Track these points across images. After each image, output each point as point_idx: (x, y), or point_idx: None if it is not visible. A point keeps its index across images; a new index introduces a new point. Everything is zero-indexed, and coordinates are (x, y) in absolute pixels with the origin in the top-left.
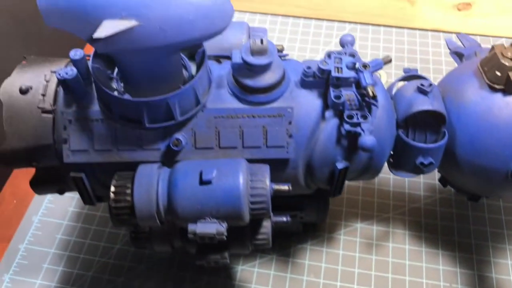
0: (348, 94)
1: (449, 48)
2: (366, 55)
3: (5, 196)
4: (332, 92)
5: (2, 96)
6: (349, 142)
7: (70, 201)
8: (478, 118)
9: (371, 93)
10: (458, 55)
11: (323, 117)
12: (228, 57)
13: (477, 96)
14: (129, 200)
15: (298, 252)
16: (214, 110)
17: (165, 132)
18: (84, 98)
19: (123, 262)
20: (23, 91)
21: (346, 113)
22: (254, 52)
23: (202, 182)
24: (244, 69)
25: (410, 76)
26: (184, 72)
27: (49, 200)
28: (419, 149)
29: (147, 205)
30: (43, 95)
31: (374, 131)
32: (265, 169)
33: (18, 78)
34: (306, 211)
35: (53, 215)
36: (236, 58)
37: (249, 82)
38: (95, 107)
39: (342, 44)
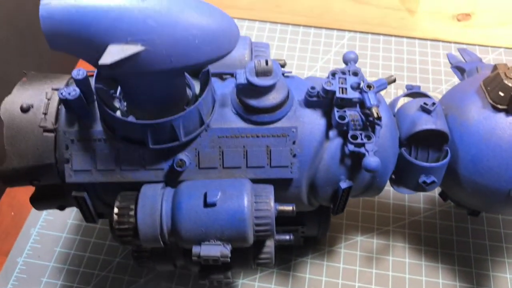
0: (352, 114)
1: (450, 63)
2: (366, 64)
3: (3, 208)
4: (336, 113)
5: (3, 115)
6: (353, 161)
7: (69, 213)
8: (480, 138)
9: (376, 115)
10: (459, 69)
11: (327, 136)
12: (231, 74)
13: (480, 116)
14: (132, 221)
15: (298, 266)
16: (218, 130)
17: (168, 152)
18: (87, 117)
19: (123, 276)
20: (24, 110)
21: (350, 133)
22: (259, 73)
23: (207, 205)
24: (249, 90)
25: (412, 93)
26: (188, 91)
27: (47, 213)
28: (422, 168)
29: (150, 227)
30: (45, 113)
31: (378, 151)
32: (270, 191)
33: (19, 96)
34: (307, 225)
35: (52, 227)
36: (241, 79)
37: (253, 102)
38: (98, 126)
39: (345, 61)
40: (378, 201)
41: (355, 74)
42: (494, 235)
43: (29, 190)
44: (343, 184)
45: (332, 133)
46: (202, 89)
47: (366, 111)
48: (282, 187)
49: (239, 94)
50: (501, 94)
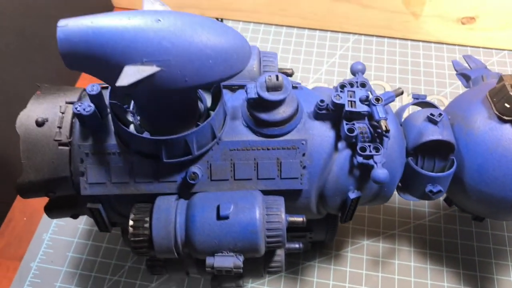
0: (361, 127)
1: (455, 69)
2: (371, 67)
3: (15, 214)
4: (345, 125)
5: (19, 129)
6: (361, 172)
7: (79, 218)
8: (486, 148)
9: (384, 128)
10: (464, 76)
11: (336, 148)
12: (242, 86)
13: (486, 126)
14: (147, 233)
15: (306, 270)
16: (230, 143)
17: (181, 165)
18: (101, 131)
19: (134, 280)
20: (40, 124)
21: (359, 145)
22: (269, 88)
23: (220, 217)
24: (259, 104)
25: (419, 102)
26: (200, 104)
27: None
28: (428, 178)
29: (165, 239)
30: (59, 127)
31: (386, 161)
32: (280, 203)
33: (34, 110)
34: (315, 231)
35: (63, 232)
36: (252, 93)
37: (264, 116)
38: (112, 140)
39: (353, 72)
40: (383, 205)
41: (363, 85)
42: (498, 238)
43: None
44: (352, 195)
45: (341, 144)
46: (214, 102)
47: (374, 123)
48: (292, 198)
49: (250, 108)
50: (507, 105)
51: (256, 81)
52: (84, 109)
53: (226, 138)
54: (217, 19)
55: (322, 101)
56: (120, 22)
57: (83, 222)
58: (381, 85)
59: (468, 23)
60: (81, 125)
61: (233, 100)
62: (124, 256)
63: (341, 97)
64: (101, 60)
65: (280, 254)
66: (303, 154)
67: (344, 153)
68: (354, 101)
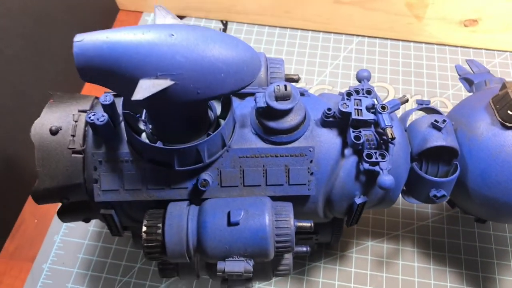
0: (367, 134)
1: (458, 74)
2: (374, 69)
3: (26, 216)
4: (352, 133)
5: (33, 137)
6: (367, 178)
7: None
8: (489, 153)
9: (390, 135)
10: (467, 81)
11: (342, 154)
12: (251, 94)
13: (489, 132)
14: (160, 239)
15: (312, 270)
16: (239, 150)
17: (192, 173)
18: (114, 139)
19: (144, 281)
20: (53, 132)
21: (365, 152)
22: (278, 98)
23: (230, 224)
24: (268, 113)
25: (423, 108)
26: (210, 113)
27: None
28: (432, 182)
29: (177, 244)
30: (73, 135)
31: (391, 168)
32: (289, 209)
33: (48, 118)
34: (321, 234)
35: (74, 234)
36: (261, 103)
37: (272, 124)
38: (124, 148)
39: (359, 79)
40: None
41: (369, 92)
42: (500, 239)
43: None
44: (358, 200)
45: (347, 151)
46: (223, 110)
47: (380, 131)
48: (300, 203)
49: (259, 117)
50: (510, 112)
51: (265, 91)
52: (97, 119)
53: (236, 146)
54: (221, 21)
55: (329, 109)
56: (135, 37)
57: (93, 224)
58: (384, 87)
59: (470, 26)
60: (94, 133)
61: (242, 108)
62: (133, 258)
63: (348, 106)
64: (116, 74)
65: (288, 258)
66: (311, 161)
67: (350, 160)
68: (361, 109)
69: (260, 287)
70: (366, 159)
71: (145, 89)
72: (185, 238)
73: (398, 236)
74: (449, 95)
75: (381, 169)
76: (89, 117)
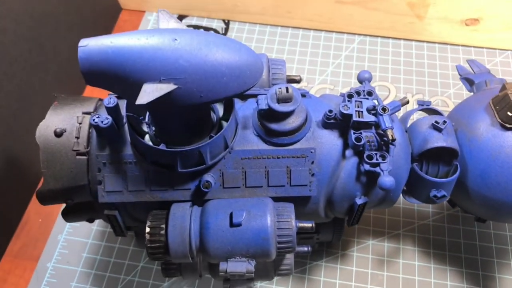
0: (368, 136)
1: (459, 74)
2: (375, 68)
3: (30, 215)
4: (353, 135)
5: (38, 140)
6: (368, 179)
7: None
8: (489, 154)
9: (390, 137)
10: (468, 81)
11: (343, 156)
12: (251, 95)
13: (489, 133)
14: (163, 240)
15: (313, 269)
16: (241, 151)
17: (195, 174)
18: (117, 141)
19: (147, 280)
20: (58, 134)
21: (366, 153)
22: (280, 100)
23: (233, 225)
24: (270, 115)
25: (424, 109)
26: (212, 114)
27: None
28: (433, 183)
29: (180, 245)
30: (77, 137)
31: (392, 169)
32: (291, 210)
33: (52, 121)
34: (322, 233)
35: (78, 233)
36: (263, 105)
37: (274, 126)
38: (128, 150)
39: (360, 80)
40: None
41: (370, 93)
42: (500, 238)
43: None
44: (359, 200)
45: (348, 152)
46: (226, 112)
47: (380, 132)
48: (301, 204)
49: (261, 119)
50: (510, 114)
51: (267, 93)
52: (102, 122)
53: (238, 147)
54: (223, 21)
55: (330, 111)
56: (139, 41)
57: (96, 224)
58: (386, 86)
59: (472, 25)
60: (98, 135)
61: (244, 110)
62: (137, 257)
63: (349, 108)
64: (120, 78)
65: (289, 258)
66: (312, 162)
67: (351, 161)
68: (361, 111)
69: (262, 286)
70: (367, 160)
71: (149, 93)
72: (188, 239)
73: (399, 235)
74: (450, 94)
75: (382, 170)
76: (93, 120)
